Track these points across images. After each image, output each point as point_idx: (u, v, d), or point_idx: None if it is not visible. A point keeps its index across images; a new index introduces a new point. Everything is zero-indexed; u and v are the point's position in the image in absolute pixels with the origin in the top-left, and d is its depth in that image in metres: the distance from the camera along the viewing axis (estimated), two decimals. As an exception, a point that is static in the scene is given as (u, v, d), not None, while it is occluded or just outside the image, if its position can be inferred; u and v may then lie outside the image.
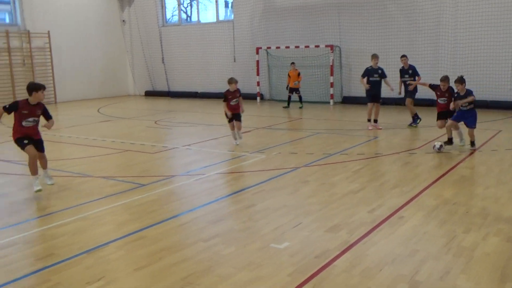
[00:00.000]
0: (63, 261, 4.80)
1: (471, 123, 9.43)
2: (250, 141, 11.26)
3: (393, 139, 11.05)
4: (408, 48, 17.29)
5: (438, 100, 9.99)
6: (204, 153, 10.08)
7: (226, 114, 10.52)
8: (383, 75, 12.40)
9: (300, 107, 17.61)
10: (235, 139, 10.57)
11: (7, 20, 20.86)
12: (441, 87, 9.80)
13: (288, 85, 17.68)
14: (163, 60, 23.82)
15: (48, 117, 7.29)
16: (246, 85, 21.12)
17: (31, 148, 6.96)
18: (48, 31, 21.01)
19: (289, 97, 17.73)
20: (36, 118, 7.12)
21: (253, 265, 4.62)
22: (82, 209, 6.45)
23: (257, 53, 20.28)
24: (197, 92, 22.70)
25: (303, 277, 4.30)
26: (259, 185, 7.45)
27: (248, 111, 16.93)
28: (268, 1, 20.20)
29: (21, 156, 10.29)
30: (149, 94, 24.44)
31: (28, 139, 7.03)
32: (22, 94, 20.09)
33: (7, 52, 19.71)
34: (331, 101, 18.65)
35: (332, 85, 18.49)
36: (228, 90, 10.39)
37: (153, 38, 23.94)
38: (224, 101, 10.40)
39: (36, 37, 20.75)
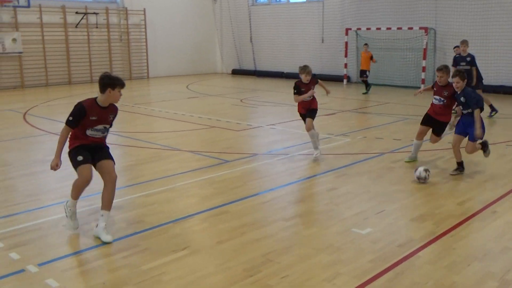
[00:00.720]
0: (151, 228, 5.06)
1: (472, 135, 6.76)
2: (335, 124, 11.11)
3: (488, 129, 10.39)
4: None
5: (433, 99, 7.36)
6: (288, 133, 10.09)
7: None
8: (472, 63, 11.23)
9: (364, 93, 16.79)
10: (315, 148, 7.92)
11: (107, -3, 21.98)
12: (438, 80, 7.22)
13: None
14: (251, 39, 24.01)
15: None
16: (333, 67, 20.85)
17: (87, 169, 4.76)
18: (144, 9, 21.89)
19: (364, 81, 16.94)
20: (107, 126, 5.02)
21: (333, 248, 4.59)
22: (170, 180, 6.73)
23: (346, 34, 19.79)
24: (283, 72, 22.68)
25: (385, 265, 4.22)
26: (342, 168, 7.35)
27: (334, 93, 16.70)
28: (361, -19, 19.58)
29: (117, 126, 10.91)
30: (236, 72, 24.80)
31: (88, 152, 4.85)
32: (118, 68, 21.24)
33: (106, 28, 20.81)
34: (422, 86, 17.84)
35: (424, 69, 17.66)
36: (300, 81, 7.94)
37: (243, 17, 24.16)
38: (295, 93, 7.93)
39: (133, 14, 21.71)
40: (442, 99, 7.14)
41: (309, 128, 7.83)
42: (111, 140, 9.22)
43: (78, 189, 4.84)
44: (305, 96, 7.82)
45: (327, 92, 8.85)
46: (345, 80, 20.15)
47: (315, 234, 4.95)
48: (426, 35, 17.46)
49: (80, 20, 19.85)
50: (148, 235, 4.89)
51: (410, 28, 17.87)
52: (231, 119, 11.71)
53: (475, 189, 6.39)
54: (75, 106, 4.76)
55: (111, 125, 5.08)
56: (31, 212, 5.56)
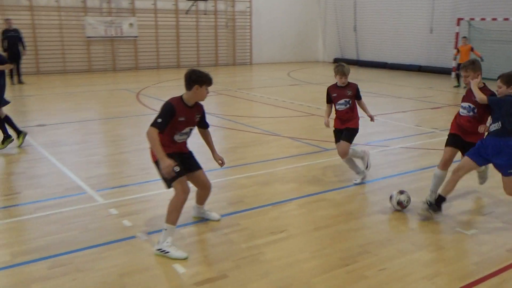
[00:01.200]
0: (251, 209, 5.20)
1: (506, 167, 4.64)
2: (441, 118, 10.57)
3: None
4: None
5: (460, 110, 5.17)
6: (389, 125, 9.80)
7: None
8: None
9: (456, 86, 15.98)
10: (357, 172, 6.15)
11: (217, -15, 22.61)
12: (464, 81, 5.12)
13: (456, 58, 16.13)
14: (355, 28, 23.46)
15: (204, 125, 4.74)
16: (441, 59, 19.79)
17: (186, 184, 4.26)
18: (251, -4, 22.27)
19: (458, 75, 15.88)
20: (192, 128, 4.52)
21: (434, 246, 4.43)
22: (270, 164, 6.85)
23: (458, 24, 18.63)
24: (386, 63, 21.94)
25: (491, 269, 3.98)
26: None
27: (440, 87, 15.96)
28: (478, -32, 18.31)
29: (221, 109, 11.31)
30: (338, 61, 24.33)
31: (180, 161, 4.28)
32: (223, 54, 21.84)
33: (213, 14, 21.44)
34: (541, 83, 16.40)
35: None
36: (334, 86, 6.12)
37: (347, 6, 23.65)
38: (327, 102, 6.18)
39: (239, 2, 22.13)
40: (471, 107, 4.94)
41: (343, 154, 5.96)
42: (214, 122, 9.57)
43: (178, 211, 4.18)
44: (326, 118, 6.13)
45: (371, 118, 6.37)
46: (453, 73, 19.01)
47: (416, 230, 4.80)
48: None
49: (190, 7, 20.62)
50: (247, 215, 5.02)
51: (532, 20, 16.43)
52: (332, 108, 11.57)
53: None
54: (164, 105, 4.22)
55: (194, 127, 4.54)
56: (142, 184, 5.95)
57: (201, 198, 4.77)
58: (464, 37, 16.28)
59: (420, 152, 7.81)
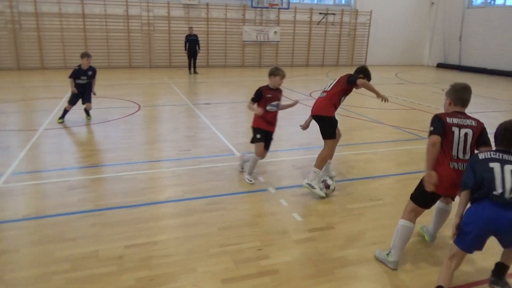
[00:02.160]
0: (356, 179, 5.08)
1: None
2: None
3: None
4: None
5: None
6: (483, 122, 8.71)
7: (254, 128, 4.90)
8: None
9: None
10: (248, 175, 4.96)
11: (343, 1, 21.75)
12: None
13: None
14: (460, 37, 20.99)
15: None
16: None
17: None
18: (371, 10, 21.04)
19: None
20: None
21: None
22: (374, 146, 6.56)
23: None
24: (486, 69, 19.36)
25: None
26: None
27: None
28: None
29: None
30: (441, 66, 22.16)
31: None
32: (343, 58, 21.12)
33: (339, 25, 20.74)
34: None
35: None
36: (265, 87, 4.79)
37: (456, 19, 21.17)
38: (252, 100, 4.73)
39: (361, 15, 21.09)
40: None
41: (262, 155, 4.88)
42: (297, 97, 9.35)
43: (324, 160, 4.53)
44: (257, 111, 4.68)
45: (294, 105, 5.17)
46: (552, 80, 16.18)
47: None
48: None
49: (322, 19, 20.20)
50: (353, 184, 4.91)
51: None
52: (431, 104, 10.63)
53: None
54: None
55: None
56: (274, 152, 6.03)
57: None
58: None
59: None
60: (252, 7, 18.70)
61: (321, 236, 3.62)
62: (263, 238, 3.55)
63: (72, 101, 7.59)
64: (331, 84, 4.83)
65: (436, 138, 2.93)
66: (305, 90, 12.28)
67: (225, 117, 8.55)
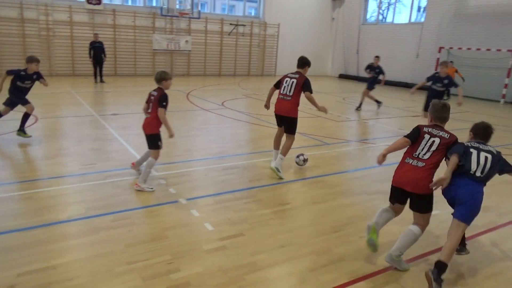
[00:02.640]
0: (266, 185, 5.20)
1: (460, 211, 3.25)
2: (417, 123, 10.32)
3: (562, 143, 8.92)
4: None
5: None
6: (377, 127, 9.63)
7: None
8: (450, 85, 8.24)
9: (445, 99, 15.51)
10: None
11: (253, 14, 22.47)
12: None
13: None
14: (357, 51, 23.05)
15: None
16: (423, 78, 19.22)
17: (279, 129, 5.83)
18: (279, 23, 22.02)
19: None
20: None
21: (404, 221, 4.31)
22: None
23: (439, 51, 18.12)
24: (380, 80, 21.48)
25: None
26: (421, 160, 6.86)
27: (420, 99, 15.53)
28: (459, 6, 17.66)
29: (249, 109, 11.33)
30: (342, 76, 24.05)
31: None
32: (254, 68, 21.75)
33: (249, 36, 21.35)
34: (502, 100, 15.86)
35: (506, 86, 15.62)
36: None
37: (353, 34, 23.22)
38: (165, 107, 4.85)
39: (270, 27, 21.96)
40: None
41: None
42: (243, 118, 9.56)
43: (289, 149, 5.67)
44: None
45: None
46: (432, 90, 18.55)
47: (391, 208, 4.72)
48: (512, 56, 15.36)
49: (232, 30, 20.59)
50: (263, 190, 5.04)
51: (499, 50, 15.81)
52: (334, 112, 11.44)
53: (540, 192, 5.57)
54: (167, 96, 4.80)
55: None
56: (185, 162, 6.02)
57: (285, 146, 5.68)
58: (451, 61, 15.92)
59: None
60: (161, 15, 18.34)
61: (232, 243, 3.65)
62: (173, 251, 3.46)
63: (12, 104, 6.83)
64: (290, 89, 5.50)
65: (403, 139, 3.56)
66: (217, 100, 12.36)
67: (134, 128, 8.19)
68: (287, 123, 5.57)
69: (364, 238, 3.89)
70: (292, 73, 5.70)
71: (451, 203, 3.32)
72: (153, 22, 18.41)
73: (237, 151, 6.84)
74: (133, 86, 15.14)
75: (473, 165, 3.23)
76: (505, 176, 5.91)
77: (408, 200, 3.51)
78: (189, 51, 19.62)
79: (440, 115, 3.57)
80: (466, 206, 3.15)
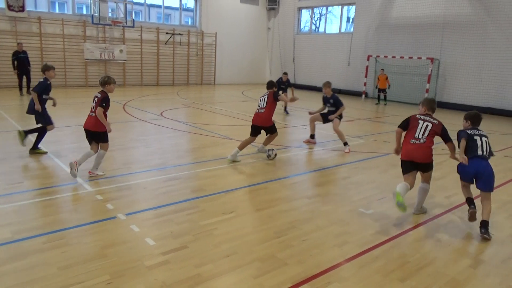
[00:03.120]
0: (208, 195, 5.15)
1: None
2: (353, 128, 10.89)
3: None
4: (501, 66, 15.24)
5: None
6: (316, 133, 9.95)
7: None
8: (336, 104, 8.40)
9: (385, 104, 17.06)
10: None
11: (190, 23, 22.34)
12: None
13: (377, 86, 17.19)
14: (293, 59, 23.81)
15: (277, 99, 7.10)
16: (355, 85, 20.40)
17: (250, 138, 7.10)
18: (216, 32, 22.09)
19: (379, 95, 17.30)
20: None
21: (343, 222, 4.54)
22: (224, 161, 6.80)
23: (368, 60, 19.30)
24: (316, 86, 22.38)
25: (383, 239, 4.13)
26: (356, 162, 7.22)
27: (354, 105, 16.43)
28: (383, 18, 19.00)
29: (189, 118, 11.18)
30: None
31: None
32: (193, 77, 21.57)
33: (187, 45, 21.17)
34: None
35: (427, 91, 17.00)
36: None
37: (288, 43, 23.97)
38: (105, 107, 5.50)
39: (207, 36, 21.95)
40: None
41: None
42: (182, 128, 9.41)
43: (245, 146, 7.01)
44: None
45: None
46: (363, 95, 19.67)
47: (330, 210, 4.89)
48: (431, 64, 16.78)
49: (169, 39, 20.27)
50: (205, 200, 4.98)
51: (419, 58, 17.22)
52: (274, 119, 11.64)
53: (459, 187, 6.10)
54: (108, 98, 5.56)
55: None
56: (124, 176, 5.77)
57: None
58: (382, 69, 17.07)
59: (338, 153, 8.00)
60: (93, 23, 17.56)
61: (176, 257, 3.55)
62: (112, 270, 3.29)
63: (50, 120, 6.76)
64: (263, 102, 7.05)
65: (398, 130, 4.86)
66: (156, 110, 12.06)
67: (66, 142, 7.72)
68: (265, 130, 7.09)
69: (307, 241, 4.00)
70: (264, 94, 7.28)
71: (467, 178, 4.49)
72: (83, 30, 17.56)
73: (178, 161, 6.71)
74: (64, 97, 14.28)
75: (479, 150, 4.36)
76: (434, 173, 6.39)
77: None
78: (124, 60, 18.97)
79: (432, 106, 4.85)
80: (486, 179, 4.31)
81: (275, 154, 7.11)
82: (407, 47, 18.05)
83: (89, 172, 5.62)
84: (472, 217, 4.46)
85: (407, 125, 4.76)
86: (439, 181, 6.32)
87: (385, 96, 17.06)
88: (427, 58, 16.94)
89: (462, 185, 4.68)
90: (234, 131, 9.54)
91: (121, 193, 5.07)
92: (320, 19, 23.37)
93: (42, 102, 6.60)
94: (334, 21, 22.34)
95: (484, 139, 4.47)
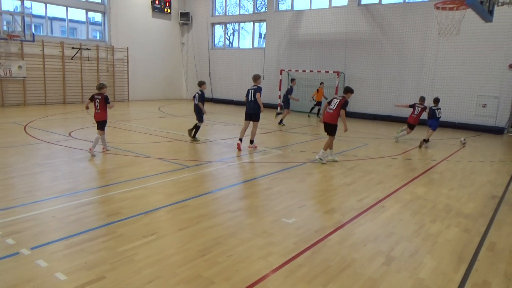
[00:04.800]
0: (126, 218, 4.85)
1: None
2: (271, 140, 11.20)
3: (380, 146, 10.84)
4: (396, 77, 17.00)
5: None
6: (235, 146, 10.02)
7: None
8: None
9: (319, 117, 17.34)
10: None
11: (98, 37, 21.21)
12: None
13: (313, 98, 17.45)
14: (209, 74, 23.89)
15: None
16: (270, 98, 21.08)
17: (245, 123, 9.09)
18: (127, 47, 21.29)
19: (313, 107, 17.72)
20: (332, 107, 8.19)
21: (266, 233, 4.59)
22: (143, 181, 6.51)
23: (281, 74, 20.12)
24: (233, 100, 22.70)
25: (305, 246, 4.26)
26: (275, 173, 7.40)
27: (269, 118, 16.96)
28: (292, 35, 20.04)
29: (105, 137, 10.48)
30: (197, 99, 24.53)
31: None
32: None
33: (96, 61, 20.04)
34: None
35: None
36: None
37: (204, 58, 24.02)
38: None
39: (118, 51, 21.03)
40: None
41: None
42: (96, 149, 8.81)
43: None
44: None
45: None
46: (278, 108, 20.40)
47: (254, 223, 4.92)
48: (338, 77, 18.06)
49: (75, 54, 19.01)
50: (123, 224, 4.68)
51: (327, 72, 18.43)
52: (200, 133, 11.51)
53: (370, 189, 6.60)
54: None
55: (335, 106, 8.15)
56: (27, 205, 5.19)
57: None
58: (322, 82, 17.51)
59: (258, 165, 8.14)
60: (-16, 37, 15.76)
61: (92, 290, 3.26)
62: (16, 315, 2.89)
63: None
64: (334, 104, 8.11)
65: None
66: (64, 130, 11.13)
67: (-47, 171, 6.72)
68: (328, 127, 8.28)
69: (232, 256, 3.95)
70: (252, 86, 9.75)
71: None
72: (-28, 45, 15.65)
73: (91, 184, 6.23)
74: (-51, 120, 12.50)
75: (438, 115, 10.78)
76: (346, 179, 6.75)
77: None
78: (24, 77, 17.29)
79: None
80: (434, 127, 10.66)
81: (334, 160, 8.44)
82: (316, 62, 19.25)
83: (90, 149, 8.16)
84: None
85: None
86: (351, 186, 6.75)
87: (318, 110, 17.30)
88: (334, 72, 18.22)
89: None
90: (152, 149, 9.20)
91: (24, 225, 4.53)
92: (233, 35, 23.86)
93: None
94: (247, 37, 22.98)
95: (438, 110, 10.68)
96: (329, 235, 4.60)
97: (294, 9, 20.09)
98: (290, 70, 19.92)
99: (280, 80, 20.13)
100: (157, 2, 22.50)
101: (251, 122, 9.64)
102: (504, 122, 14.92)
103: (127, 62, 21.45)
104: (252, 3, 22.06)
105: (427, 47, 16.21)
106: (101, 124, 8.31)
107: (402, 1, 16.83)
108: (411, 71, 16.73)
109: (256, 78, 9.85)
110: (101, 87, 8.37)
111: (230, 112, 18.44)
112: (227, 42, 23.93)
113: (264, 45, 21.60)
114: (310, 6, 19.39)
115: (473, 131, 14.89)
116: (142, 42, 22.20)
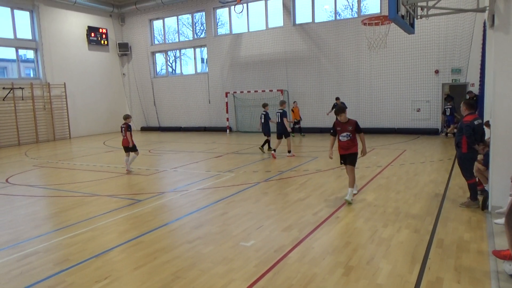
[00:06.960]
0: (76, 264, 4.56)
1: None
2: (223, 163, 11.17)
3: (328, 159, 11.16)
4: (336, 90, 17.79)
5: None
6: (187, 174, 9.90)
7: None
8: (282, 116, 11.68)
9: (303, 135, 17.20)
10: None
11: (32, 75, 20.22)
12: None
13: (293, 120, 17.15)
14: (154, 103, 23.54)
15: (359, 131, 6.55)
16: (218, 121, 21.17)
17: (346, 167, 6.71)
18: (64, 83, 20.47)
19: (293, 128, 17.18)
20: (349, 133, 6.50)
21: (227, 260, 4.52)
22: (92, 221, 6.19)
23: (226, 96, 20.35)
24: (181, 127, 22.47)
25: (266, 267, 4.24)
26: (230, 197, 7.36)
27: (220, 140, 16.98)
28: (233, 58, 20.40)
29: (44, 180, 9.87)
30: (144, 129, 24.02)
31: (343, 157, 6.69)
32: (43, 133, 19.40)
33: (31, 100, 19.03)
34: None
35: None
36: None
37: (147, 87, 23.68)
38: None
39: (54, 87, 20.15)
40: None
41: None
42: (37, 192, 8.27)
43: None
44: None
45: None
46: (227, 130, 20.52)
47: (213, 251, 4.83)
48: (282, 94, 18.56)
49: (7, 94, 17.93)
50: (73, 271, 4.39)
51: (271, 90, 18.89)
52: (142, 166, 11.21)
53: (323, 202, 6.76)
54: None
55: (351, 132, 6.55)
56: (-39, 265, 4.70)
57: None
58: (295, 101, 17.57)
59: (211, 190, 8.06)
60: None
61: None
62: None
63: None
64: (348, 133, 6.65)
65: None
66: (0, 176, 10.35)
67: None
68: (347, 156, 6.81)
69: (196, 287, 3.84)
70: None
71: None
72: None
73: (35, 233, 5.81)
74: None
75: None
76: (300, 194, 6.85)
77: None
78: (-51, 124, 15.97)
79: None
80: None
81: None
82: (259, 82, 19.69)
83: (126, 170, 10.12)
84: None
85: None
86: (305, 200, 6.88)
87: (299, 128, 17.21)
88: (277, 90, 18.73)
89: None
90: (100, 186, 8.81)
91: (-42, 288, 4.10)
92: (175, 61, 23.83)
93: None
94: (190, 63, 23.04)
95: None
96: (289, 253, 4.63)
97: (233, 32, 20.54)
98: (235, 92, 20.19)
99: (227, 103, 20.31)
100: (92, 35, 21.99)
101: (283, 139, 11.62)
102: (437, 124, 16.09)
103: (66, 98, 20.61)
104: (191, 30, 22.25)
105: (361, 60, 17.22)
106: (126, 149, 10.16)
107: (334, 19, 17.83)
108: (349, 83, 17.63)
109: (282, 103, 11.59)
110: (125, 117, 10.11)
111: (179, 140, 18.20)
112: (170, 70, 23.82)
113: (207, 70, 21.76)
114: (248, 29, 19.93)
115: (412, 135, 15.88)
116: (80, 76, 21.49)
